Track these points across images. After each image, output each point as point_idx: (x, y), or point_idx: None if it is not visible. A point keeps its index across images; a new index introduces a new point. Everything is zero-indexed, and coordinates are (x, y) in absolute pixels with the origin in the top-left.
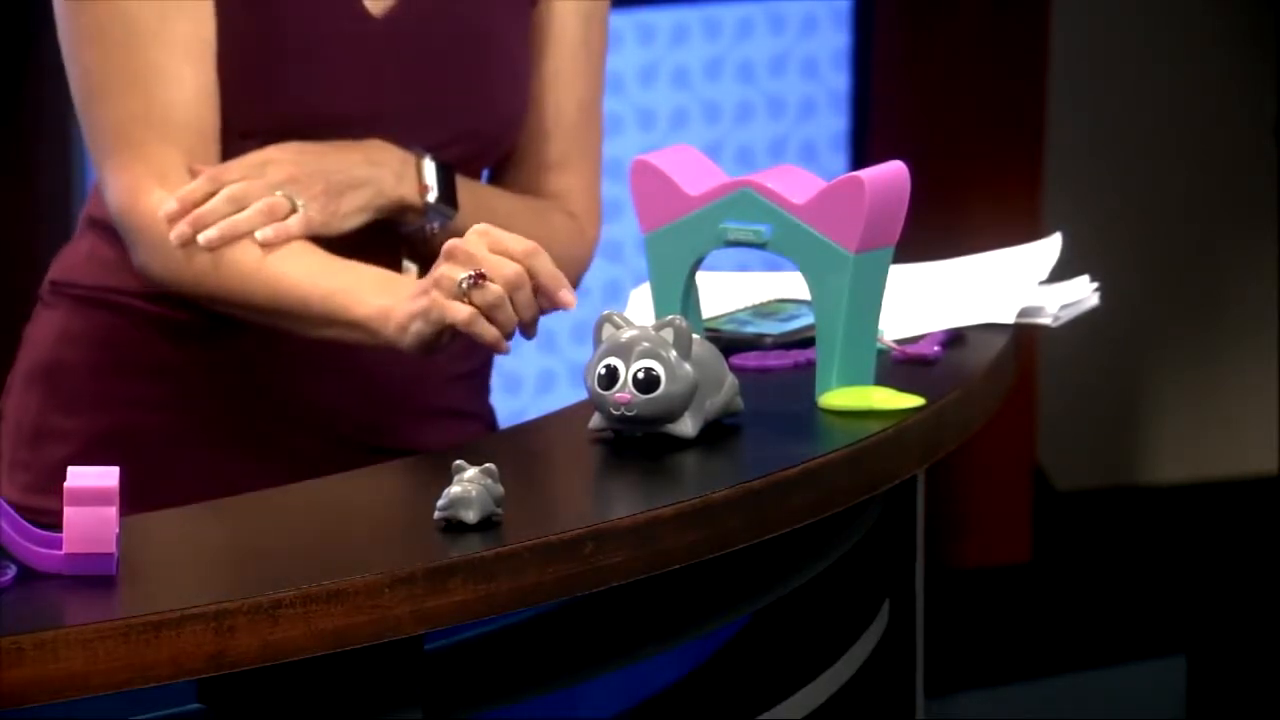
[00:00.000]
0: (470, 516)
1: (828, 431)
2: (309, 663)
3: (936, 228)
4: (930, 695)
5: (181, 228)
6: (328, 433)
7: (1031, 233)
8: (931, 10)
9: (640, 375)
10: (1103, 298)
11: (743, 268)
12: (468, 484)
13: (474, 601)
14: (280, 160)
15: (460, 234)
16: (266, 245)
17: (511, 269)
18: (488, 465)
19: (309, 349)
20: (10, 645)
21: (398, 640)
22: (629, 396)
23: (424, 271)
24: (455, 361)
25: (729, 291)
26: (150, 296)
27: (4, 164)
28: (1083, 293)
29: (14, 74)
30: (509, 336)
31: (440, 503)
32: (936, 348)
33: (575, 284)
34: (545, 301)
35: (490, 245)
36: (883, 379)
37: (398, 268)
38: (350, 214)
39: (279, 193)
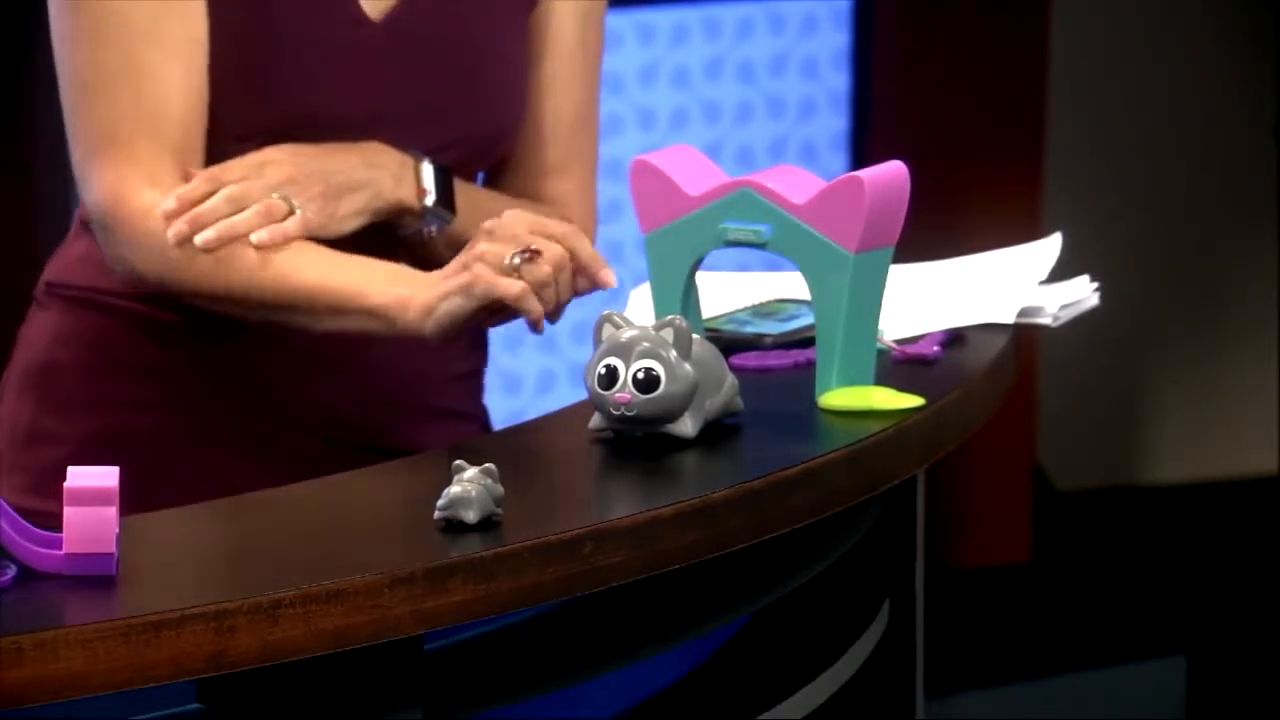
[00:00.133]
0: (470, 516)
1: (828, 431)
2: (309, 663)
3: (936, 228)
4: (930, 695)
5: (179, 226)
6: (324, 433)
7: (1031, 233)
8: (931, 10)
9: (640, 375)
10: (1103, 298)
11: (743, 268)
12: (468, 484)
13: (474, 601)
14: (279, 161)
15: (457, 238)
16: (263, 247)
17: (558, 249)
18: (488, 465)
19: (305, 349)
20: (10, 645)
21: (398, 640)
22: (629, 396)
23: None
24: (453, 362)
25: (729, 291)
26: (143, 298)
27: (3, 165)
28: (1083, 293)
29: (14, 75)
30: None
31: (440, 503)
32: (936, 348)
33: None
34: (585, 282)
35: (530, 226)
36: (883, 379)
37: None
38: (348, 216)
39: (277, 194)
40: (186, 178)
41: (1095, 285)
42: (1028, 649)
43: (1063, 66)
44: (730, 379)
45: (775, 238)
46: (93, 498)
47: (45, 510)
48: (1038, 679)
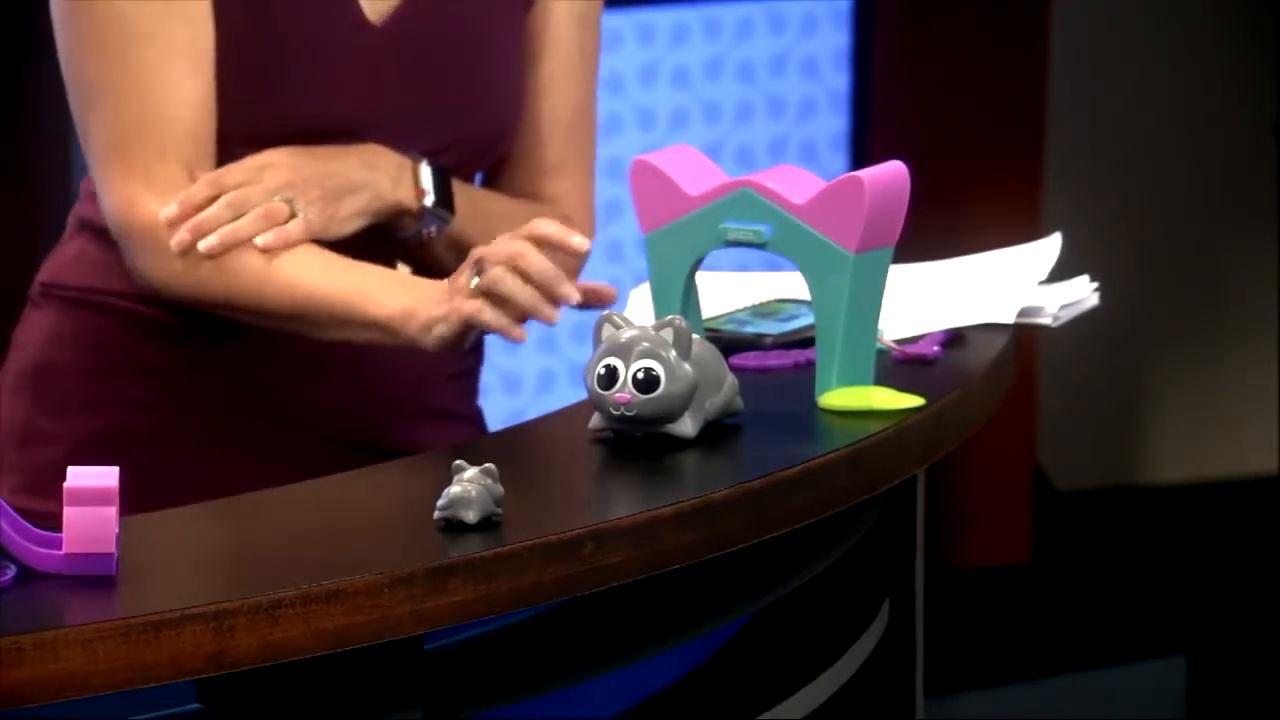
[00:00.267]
0: (470, 516)
1: (828, 431)
2: (309, 663)
3: (936, 228)
4: (930, 695)
5: (182, 235)
6: (323, 433)
7: (1031, 233)
8: (931, 10)
9: (640, 375)
10: (1103, 298)
11: (743, 268)
12: (468, 484)
13: (474, 601)
14: (278, 164)
15: (456, 239)
16: (268, 251)
17: (508, 247)
18: (488, 465)
19: (303, 349)
20: (10, 645)
21: (398, 640)
22: (629, 396)
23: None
24: (450, 362)
25: (729, 291)
26: (139, 298)
27: (4, 165)
28: (1083, 293)
29: (14, 75)
30: (522, 320)
31: (440, 503)
32: (936, 348)
33: None
34: (587, 296)
35: (510, 248)
36: (883, 379)
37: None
38: (348, 218)
39: (278, 197)
40: (194, 184)
41: (1095, 285)
42: (1028, 649)
43: (1063, 66)
44: (730, 379)
45: (775, 238)
46: (92, 498)
47: (42, 510)
48: (1038, 679)
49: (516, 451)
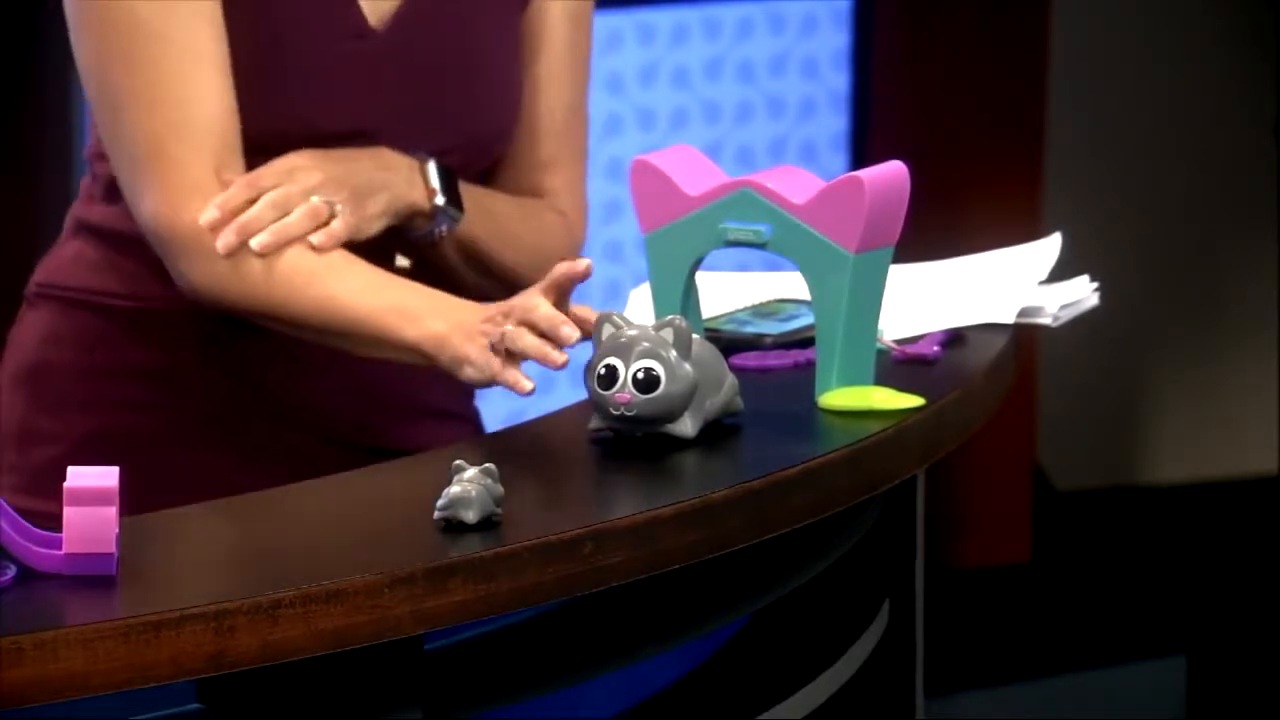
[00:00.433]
0: (470, 516)
1: (828, 431)
2: (309, 663)
3: (936, 228)
4: (930, 695)
5: (228, 237)
6: (318, 433)
7: (1031, 233)
8: (931, 10)
9: (640, 375)
10: (1103, 298)
11: (743, 268)
12: (468, 484)
13: (474, 601)
14: (307, 166)
15: (463, 237)
16: (320, 251)
17: (526, 300)
18: (488, 465)
19: (299, 349)
20: (10, 645)
21: (398, 640)
22: (629, 396)
23: (418, 266)
24: None
25: (729, 291)
26: (136, 299)
27: (4, 166)
28: (1083, 293)
29: (15, 76)
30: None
31: (440, 503)
32: (936, 348)
33: None
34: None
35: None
36: (883, 379)
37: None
38: (374, 217)
39: (314, 198)
40: (227, 187)
41: (1095, 285)
42: (1028, 649)
43: (1063, 66)
44: (730, 379)
45: (775, 238)
46: (92, 498)
47: (41, 510)
48: (1038, 679)
49: (516, 451)
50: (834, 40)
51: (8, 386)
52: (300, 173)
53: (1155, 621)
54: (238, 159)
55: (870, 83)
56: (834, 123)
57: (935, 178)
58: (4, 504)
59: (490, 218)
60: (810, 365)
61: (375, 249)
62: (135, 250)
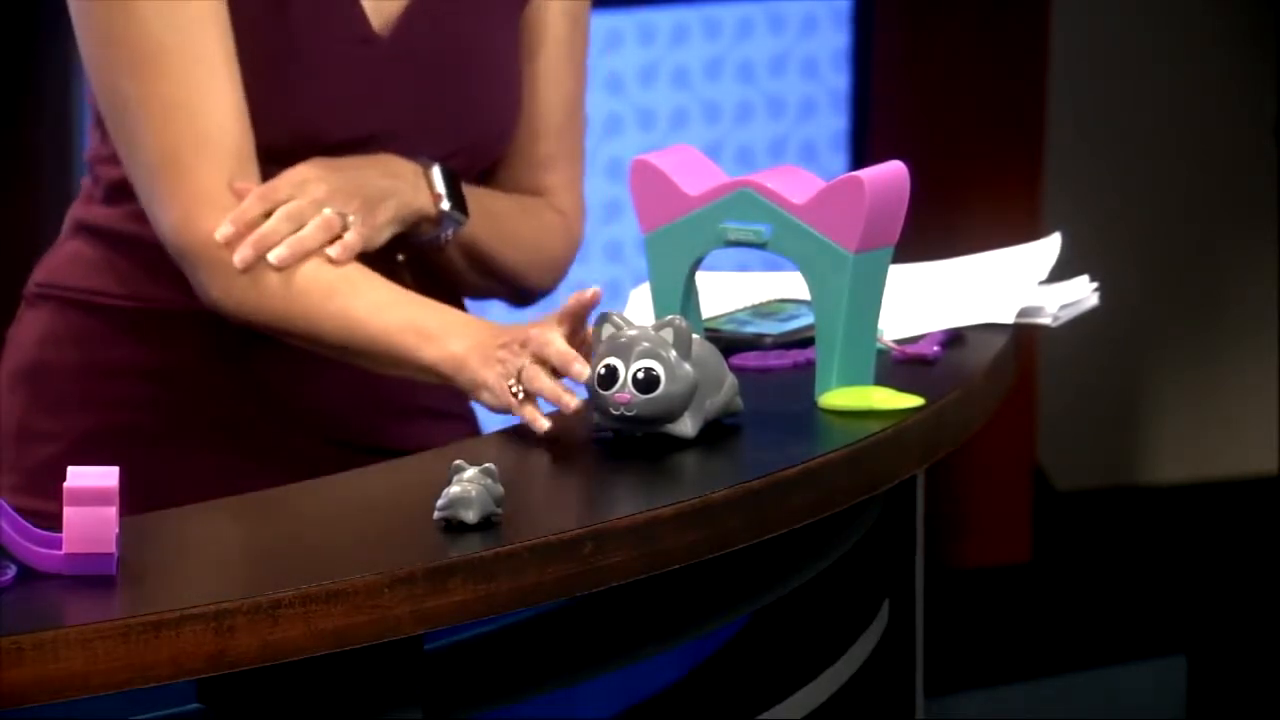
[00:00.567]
0: (470, 516)
1: (827, 431)
2: (309, 663)
3: (936, 228)
4: (930, 695)
5: (245, 251)
6: (317, 433)
7: (1031, 233)
8: (931, 10)
9: (640, 375)
10: (1103, 298)
11: (743, 268)
12: (468, 484)
13: (474, 601)
14: (317, 177)
15: (466, 240)
16: (337, 264)
17: (541, 334)
18: (487, 465)
19: (298, 350)
20: (10, 645)
21: (398, 640)
22: (629, 396)
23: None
24: None
25: (729, 291)
26: (135, 299)
27: (5, 166)
28: (1082, 293)
29: (15, 76)
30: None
31: (440, 503)
32: (936, 348)
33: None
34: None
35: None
36: (883, 379)
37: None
38: (384, 226)
39: (327, 209)
40: (241, 198)
41: (1095, 285)
42: (1028, 649)
43: (1063, 66)
44: (730, 379)
45: (775, 238)
46: (92, 498)
47: (40, 509)
48: (1038, 679)
49: (516, 451)
50: (834, 40)
51: (7, 386)
52: (311, 184)
53: (1155, 621)
54: (252, 167)
55: (870, 83)
56: (834, 123)
57: (935, 178)
58: (4, 504)
59: (492, 218)
60: (810, 365)
61: (378, 253)
62: (135, 251)
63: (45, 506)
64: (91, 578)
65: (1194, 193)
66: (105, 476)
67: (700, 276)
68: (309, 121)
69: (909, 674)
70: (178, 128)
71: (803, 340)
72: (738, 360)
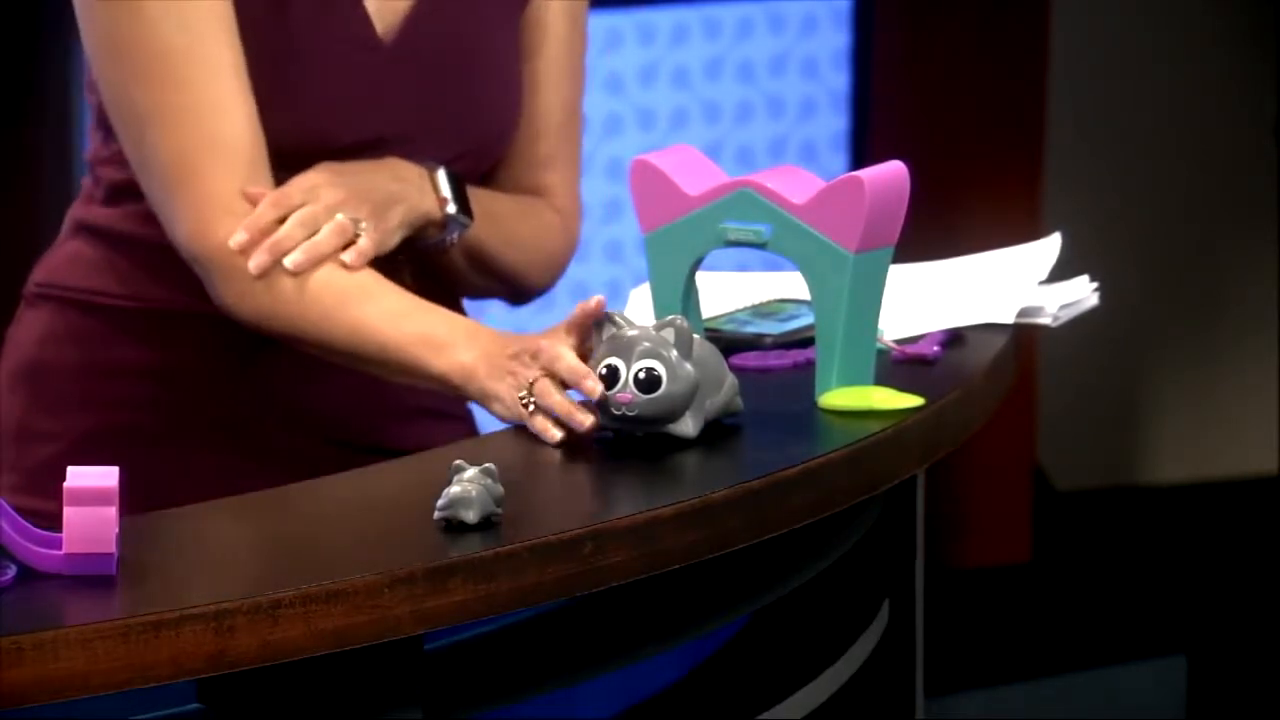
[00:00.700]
0: (470, 516)
1: (827, 431)
2: (309, 663)
3: (936, 228)
4: (930, 695)
5: (260, 257)
6: (316, 433)
7: (1031, 233)
8: (931, 10)
9: (641, 375)
10: (1103, 298)
11: (743, 268)
12: (467, 484)
13: (474, 601)
14: (328, 183)
15: (469, 242)
16: (351, 269)
17: (551, 349)
18: (487, 465)
19: (296, 350)
20: (10, 645)
21: (398, 640)
22: (630, 396)
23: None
24: None
25: (729, 291)
26: (134, 299)
27: (5, 166)
28: (1082, 293)
29: (15, 76)
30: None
31: (440, 503)
32: (936, 348)
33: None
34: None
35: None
36: (883, 379)
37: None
38: (394, 230)
39: (339, 215)
40: (254, 204)
41: (1095, 285)
42: (1028, 649)
43: (1063, 66)
44: (730, 379)
45: (775, 238)
46: (92, 498)
47: (39, 509)
48: (1038, 679)
49: (516, 451)
50: (834, 40)
51: (6, 385)
52: (322, 189)
53: (1155, 621)
54: (265, 170)
55: (870, 83)
56: (834, 123)
57: (935, 178)
58: (4, 504)
59: (493, 220)
60: (810, 365)
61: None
62: (135, 251)
63: (45, 506)
64: (91, 578)
65: (1194, 193)
66: (105, 476)
67: (700, 276)
68: (315, 128)
69: (909, 674)
70: (189, 133)
71: (803, 340)
72: (738, 360)
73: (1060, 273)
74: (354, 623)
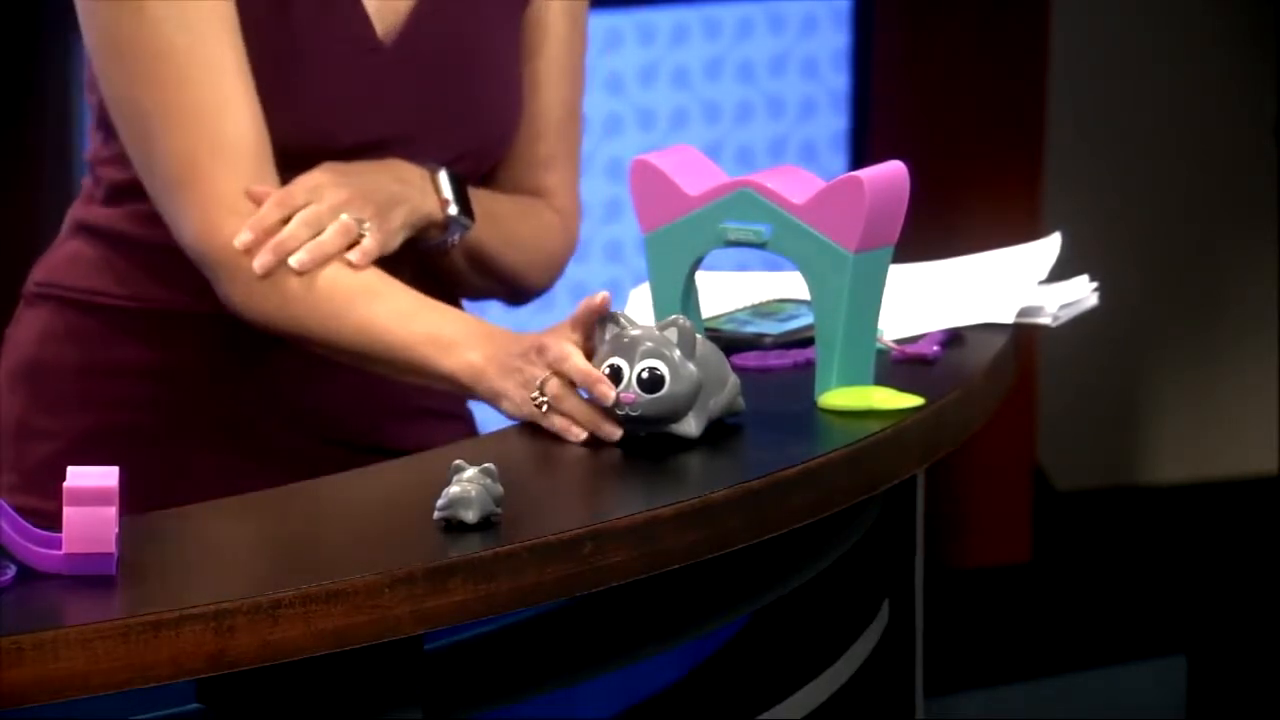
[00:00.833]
0: (470, 516)
1: (827, 431)
2: (309, 663)
3: (936, 228)
4: (930, 695)
5: (265, 258)
6: (316, 433)
7: (1031, 233)
8: (931, 10)
9: (645, 375)
10: (1103, 298)
11: (743, 268)
12: (467, 484)
13: (474, 601)
14: (331, 183)
15: (470, 243)
16: (356, 269)
17: (557, 348)
18: (487, 465)
19: (296, 349)
20: (10, 645)
21: (398, 640)
22: (633, 396)
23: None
24: None
25: (729, 291)
26: (134, 299)
27: (5, 166)
28: (1082, 293)
29: (15, 76)
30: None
31: (440, 503)
32: (936, 348)
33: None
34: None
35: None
36: (883, 379)
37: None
38: (397, 231)
39: (343, 215)
40: (258, 203)
41: (1095, 285)
42: (1028, 649)
43: (1063, 66)
44: (733, 379)
45: (775, 238)
46: (92, 497)
47: (38, 508)
48: (1038, 679)
49: (516, 451)
50: (834, 40)
51: (6, 385)
52: (326, 189)
53: (1155, 621)
54: (270, 169)
55: (870, 83)
56: (834, 123)
57: (935, 178)
58: (4, 504)
59: (494, 221)
60: (810, 365)
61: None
62: (134, 251)
63: (44, 505)
64: (91, 578)
65: (1194, 193)
66: (105, 476)
67: (700, 276)
68: (314, 126)
69: (909, 674)
70: (193, 134)
71: (803, 340)
72: (738, 360)
73: (1060, 273)
74: (354, 623)
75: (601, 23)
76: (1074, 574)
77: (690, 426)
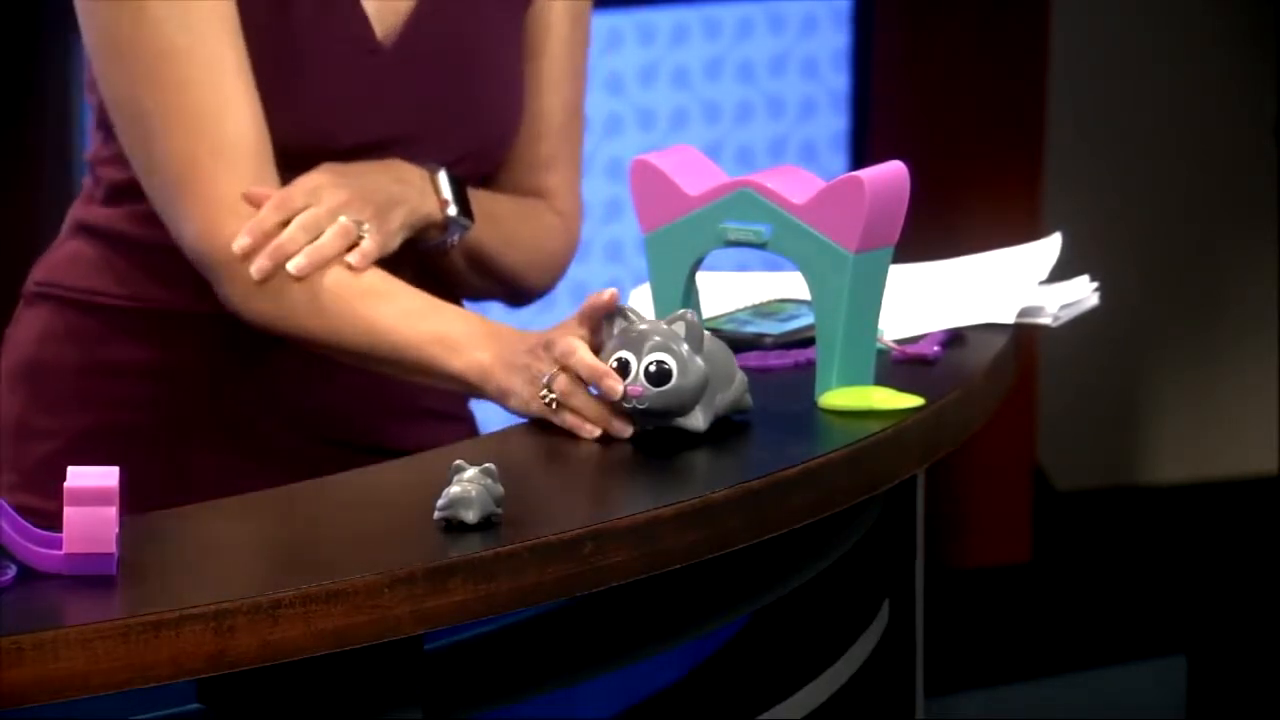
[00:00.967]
0: (470, 516)
1: (828, 431)
2: (309, 663)
3: (936, 228)
4: (930, 695)
5: (262, 262)
6: (316, 433)
7: (1031, 233)
8: (931, 10)
9: (652, 368)
10: (1103, 298)
11: (743, 268)
12: (468, 484)
13: (474, 601)
14: (330, 185)
15: (470, 244)
16: (356, 271)
17: (562, 344)
18: (487, 465)
19: (296, 349)
20: (10, 645)
21: (398, 640)
22: (641, 389)
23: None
24: None
25: (729, 291)
26: (134, 299)
27: (5, 166)
28: (1083, 293)
29: (15, 76)
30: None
31: (440, 503)
32: (936, 348)
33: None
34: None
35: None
36: (883, 379)
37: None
38: (396, 232)
39: (342, 217)
40: (258, 205)
41: (1095, 285)
42: (1028, 649)
43: (1063, 66)
44: (740, 376)
45: (775, 238)
46: (92, 497)
47: (37, 508)
48: (1038, 679)
49: (517, 451)
50: (834, 40)
51: (5, 384)
52: (325, 191)
53: (1155, 621)
54: (271, 170)
55: (870, 83)
56: (834, 123)
57: (935, 178)
58: (4, 504)
59: (494, 221)
60: (810, 365)
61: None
62: (134, 251)
63: (43, 504)
64: (91, 578)
65: (1194, 193)
66: (105, 476)
67: (700, 276)
68: (314, 127)
69: (909, 674)
70: (193, 135)
71: (803, 340)
72: (738, 360)
73: (1060, 273)
74: (354, 623)
75: (601, 23)
76: (1074, 574)
77: (697, 420)
